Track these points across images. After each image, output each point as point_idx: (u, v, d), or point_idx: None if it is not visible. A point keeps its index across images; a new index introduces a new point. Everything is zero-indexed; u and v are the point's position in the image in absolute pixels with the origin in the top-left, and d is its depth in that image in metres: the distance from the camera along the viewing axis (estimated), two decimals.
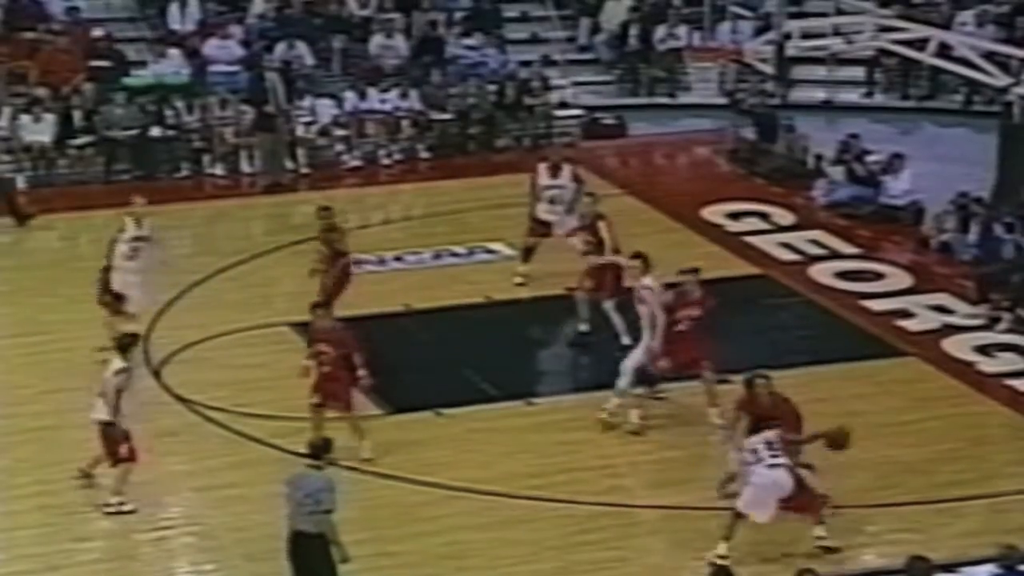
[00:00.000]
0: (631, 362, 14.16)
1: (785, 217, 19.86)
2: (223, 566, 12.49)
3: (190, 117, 21.51)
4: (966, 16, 23.66)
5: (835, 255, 18.68)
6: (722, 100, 23.54)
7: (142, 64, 22.41)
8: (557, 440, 14.25)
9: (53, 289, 17.19)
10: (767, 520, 12.20)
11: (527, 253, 17.28)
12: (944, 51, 20.21)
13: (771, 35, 21.24)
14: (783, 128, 22.01)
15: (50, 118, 20.94)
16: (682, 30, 24.25)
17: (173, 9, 23.06)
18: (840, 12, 22.67)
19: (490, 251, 18.50)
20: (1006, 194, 18.42)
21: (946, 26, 22.59)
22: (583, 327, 15.84)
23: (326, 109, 22.10)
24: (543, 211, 17.14)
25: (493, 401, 14.90)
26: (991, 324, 16.64)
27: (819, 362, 15.50)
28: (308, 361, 13.66)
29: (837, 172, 20.54)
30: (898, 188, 19.86)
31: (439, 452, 13.97)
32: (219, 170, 21.48)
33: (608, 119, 23.39)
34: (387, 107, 22.24)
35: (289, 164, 21.52)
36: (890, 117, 23.40)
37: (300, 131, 21.75)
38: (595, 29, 24.96)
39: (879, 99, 24.03)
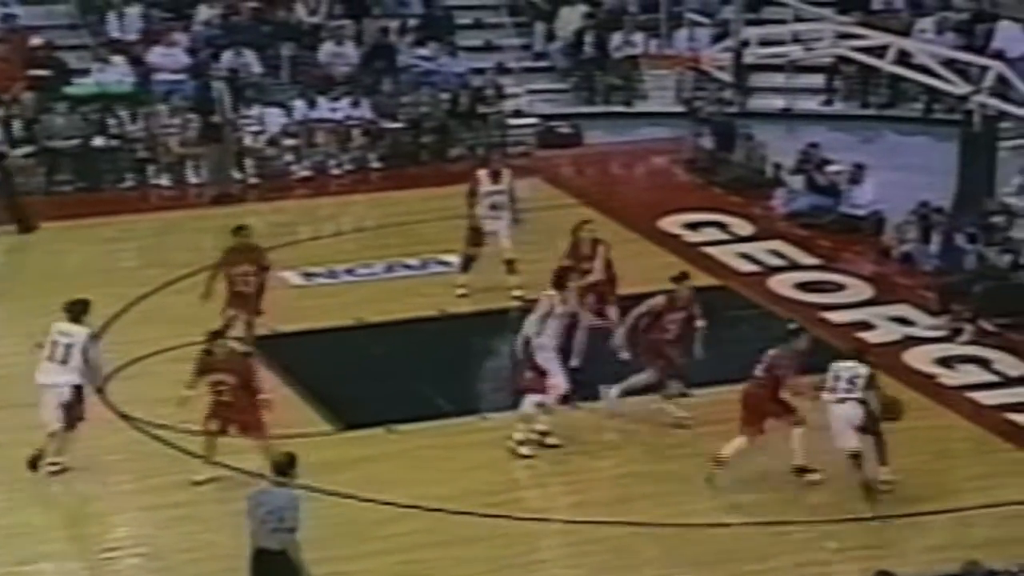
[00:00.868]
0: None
1: (744, 227, 19.97)
2: None
3: (134, 126, 21.41)
4: (926, 23, 23.90)
5: (795, 266, 18.79)
6: (679, 108, 23.64)
7: (84, 72, 22.30)
8: (514, 457, 14.24)
9: None
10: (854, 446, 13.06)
11: (467, 263, 17.29)
12: (904, 58, 20.38)
13: (729, 42, 21.36)
14: (741, 137, 22.13)
15: None
16: (638, 37, 24.36)
17: (112, 16, 22.96)
18: (799, 19, 22.80)
19: (444, 263, 18.50)
20: (967, 204, 18.59)
21: (905, 33, 22.79)
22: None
23: (275, 118, 22.06)
24: (484, 218, 17.15)
25: (447, 416, 14.89)
26: (953, 336, 16.78)
27: None
28: (189, 392, 13.59)
29: (797, 181, 20.68)
30: (861, 198, 20.01)
31: (392, 469, 13.95)
32: (165, 181, 21.41)
33: (564, 128, 23.45)
34: (337, 116, 22.22)
35: (237, 175, 21.46)
36: (850, 125, 23.59)
37: (248, 141, 21.70)
38: (550, 36, 25.03)
39: (839, 107, 24.21)
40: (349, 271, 18.38)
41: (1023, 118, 18.72)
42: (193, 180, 21.46)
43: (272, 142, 21.96)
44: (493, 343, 16.39)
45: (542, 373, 14.00)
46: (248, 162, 21.64)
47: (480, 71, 23.31)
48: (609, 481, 13.95)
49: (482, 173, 17.42)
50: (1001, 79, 18.72)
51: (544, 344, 13.99)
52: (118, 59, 22.25)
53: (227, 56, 22.65)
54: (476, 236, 17.20)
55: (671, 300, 14.55)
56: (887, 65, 20.33)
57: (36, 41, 22.31)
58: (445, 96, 22.79)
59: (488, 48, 24.58)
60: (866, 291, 18.00)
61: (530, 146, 23.11)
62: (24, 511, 13.16)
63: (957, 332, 16.78)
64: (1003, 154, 18.91)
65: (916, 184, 19.75)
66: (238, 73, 22.34)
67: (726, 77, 21.54)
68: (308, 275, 18.22)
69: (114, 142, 21.25)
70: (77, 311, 13.81)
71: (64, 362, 13.53)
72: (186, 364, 15.68)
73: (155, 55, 22.44)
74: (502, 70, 23.60)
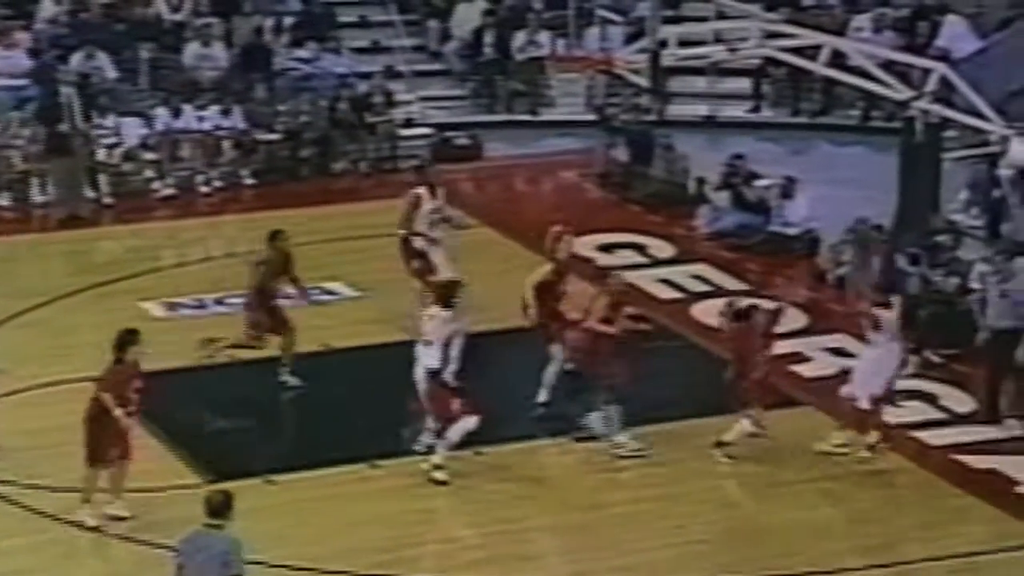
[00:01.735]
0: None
1: (664, 249, 20.16)
2: None
3: None
4: (862, 21, 24.30)
5: (721, 292, 18.98)
6: (590, 116, 23.84)
7: None
8: (407, 508, 14.28)
9: None
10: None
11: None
12: (838, 60, 20.70)
13: (644, 42, 21.54)
14: (660, 148, 22.35)
15: None
16: (544, 37, 24.53)
17: None
18: (721, 16, 23.06)
19: (328, 292, 18.49)
20: (910, 221, 18.89)
21: (840, 32, 23.15)
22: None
23: (133, 129, 21.96)
24: (424, 236, 17.17)
25: (332, 465, 14.88)
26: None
27: (704, 414, 15.72)
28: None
29: (722, 197, 20.92)
30: (792, 215, 20.29)
31: (269, 525, 13.88)
32: (5, 200, 21.20)
33: (461, 139, 23.55)
34: (205, 126, 22.16)
35: (89, 193, 21.31)
36: (779, 135, 23.92)
37: (102, 155, 21.56)
38: (445, 36, 25.14)
39: (767, 114, 24.54)
40: (219, 301, 18.30)
41: (970, 126, 19.07)
42: (38, 199, 21.28)
43: (130, 156, 21.85)
44: (386, 380, 16.39)
45: (454, 404, 14.17)
46: (102, 179, 21.50)
47: (366, 75, 23.34)
48: (513, 535, 14.00)
49: (423, 190, 17.43)
50: (945, 82, 19.07)
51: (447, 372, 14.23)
52: None
53: (77, 58, 22.51)
54: (414, 255, 17.19)
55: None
56: (820, 68, 20.62)
57: None
58: (327, 103, 22.81)
59: (375, 49, 24.64)
60: (799, 319, 18.22)
61: (423, 159, 23.16)
62: None
63: (902, 364, 17.02)
64: (948, 166, 19.24)
65: (852, 199, 20.04)
66: (89, 78, 22.19)
67: (642, 81, 21.71)
68: (172, 306, 18.13)
69: None
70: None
71: None
72: (30, 409, 15.58)
73: None
74: (391, 74, 23.66)
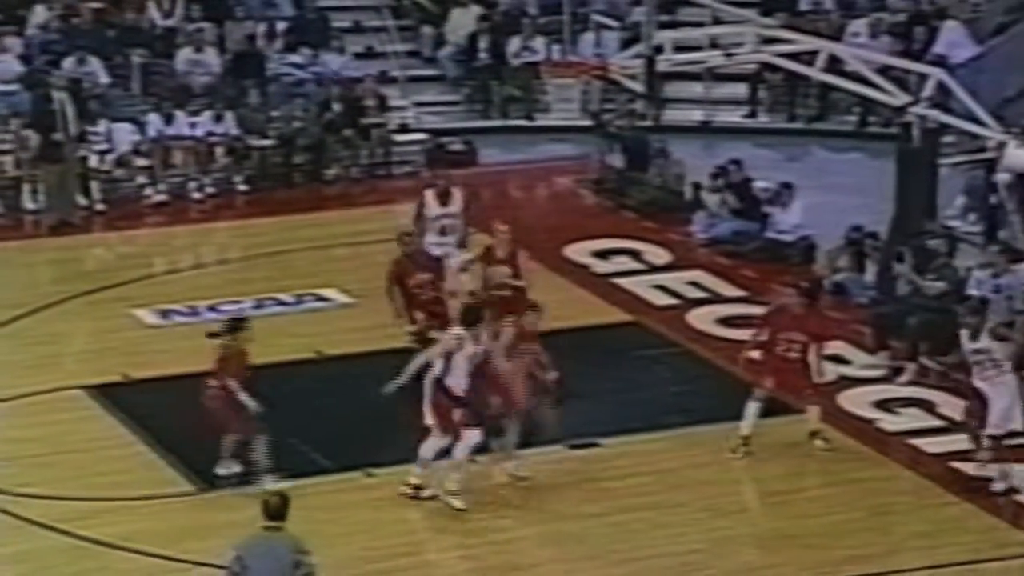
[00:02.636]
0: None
1: (659, 256, 20.15)
2: None
3: None
4: (859, 26, 24.30)
5: (716, 298, 18.99)
6: (585, 122, 23.83)
7: None
8: (402, 517, 14.25)
9: None
10: None
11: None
12: (835, 66, 20.69)
13: (640, 48, 21.53)
14: (655, 154, 22.34)
15: None
16: (539, 42, 24.53)
17: None
18: (718, 22, 23.10)
19: (322, 299, 18.47)
20: (906, 228, 18.88)
21: (836, 37, 23.15)
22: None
23: (125, 135, 21.94)
24: (432, 244, 17.06)
25: (326, 473, 14.85)
26: (892, 375, 17.02)
27: (698, 422, 15.71)
28: None
29: (717, 204, 20.90)
30: (787, 222, 20.28)
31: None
32: None
33: (455, 144, 23.54)
34: (198, 132, 22.14)
35: (81, 200, 21.28)
36: (775, 141, 23.90)
37: (94, 161, 21.53)
38: (439, 41, 25.13)
39: (763, 120, 24.54)
40: (212, 308, 18.28)
41: (966, 131, 19.07)
42: (29, 206, 21.25)
43: (122, 162, 21.82)
44: (378, 389, 16.36)
45: (456, 415, 14.11)
46: (94, 185, 21.47)
47: (360, 80, 23.34)
48: (506, 545, 13.98)
49: (429, 194, 17.37)
50: (942, 88, 19.07)
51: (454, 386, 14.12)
52: None
53: (68, 64, 22.49)
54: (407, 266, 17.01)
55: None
56: (816, 73, 20.61)
57: None
58: (318, 105, 22.77)
59: (370, 54, 24.63)
60: None
61: (418, 165, 23.16)
62: None
63: (897, 371, 17.02)
64: (944, 172, 19.23)
65: (848, 206, 20.05)
66: (81, 83, 22.16)
67: (637, 87, 21.71)
68: (165, 313, 18.11)
69: None
70: None
71: None
72: (18, 419, 15.56)
73: None
74: (385, 79, 23.64)
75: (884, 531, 14.21)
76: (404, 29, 25.24)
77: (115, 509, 14.11)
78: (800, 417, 15.82)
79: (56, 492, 14.27)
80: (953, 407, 16.10)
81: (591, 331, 17.75)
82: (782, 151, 23.53)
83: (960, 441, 15.41)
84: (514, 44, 24.56)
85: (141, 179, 21.85)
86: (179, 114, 22.16)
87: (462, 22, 25.01)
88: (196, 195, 21.99)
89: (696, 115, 24.44)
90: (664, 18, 23.57)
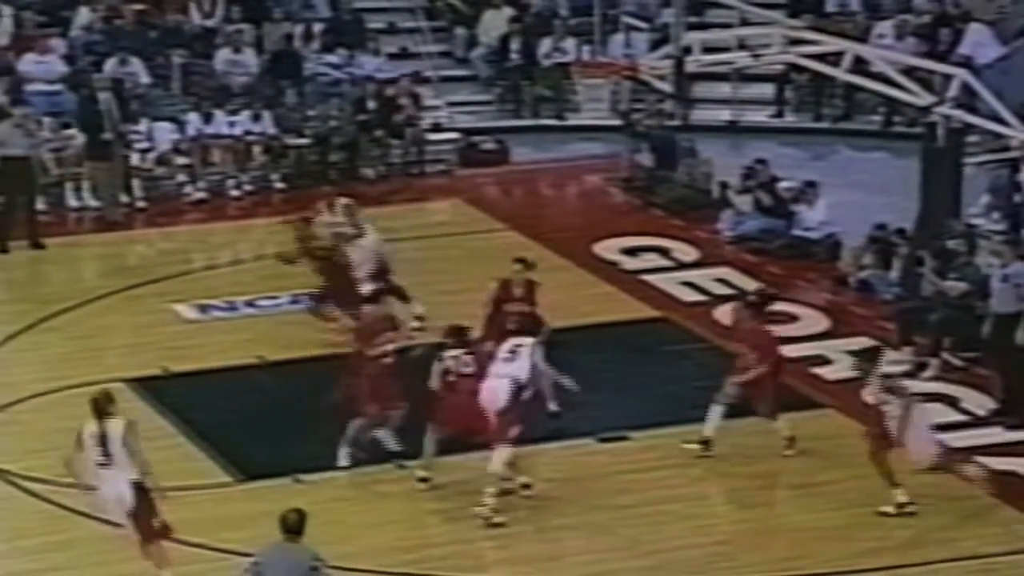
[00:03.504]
0: None
1: (687, 253, 20.14)
2: None
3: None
4: (884, 28, 24.23)
5: (743, 295, 18.95)
6: (615, 122, 23.82)
7: None
8: (433, 508, 14.29)
9: None
10: None
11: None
12: (861, 66, 20.66)
13: (669, 49, 21.54)
14: (683, 153, 22.33)
15: None
16: (570, 43, 24.54)
17: None
18: (745, 23, 23.05)
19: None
20: (930, 226, 18.85)
21: (862, 39, 23.10)
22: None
23: (165, 134, 22.02)
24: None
25: (360, 464, 14.90)
26: (916, 371, 16.98)
27: (727, 416, 15.69)
28: None
29: (744, 202, 20.89)
30: (812, 219, 20.26)
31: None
32: (41, 205, 21.26)
33: (488, 143, 23.57)
34: (236, 131, 22.22)
35: (124, 197, 21.38)
36: (802, 140, 23.86)
37: (135, 159, 21.63)
38: (472, 42, 25.16)
39: (789, 120, 24.49)
40: (250, 303, 18.36)
41: (991, 131, 19.01)
42: (73, 204, 21.35)
43: (162, 161, 21.90)
44: (411, 382, 16.42)
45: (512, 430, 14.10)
46: (135, 183, 21.57)
47: (394, 80, 23.38)
48: (535, 535, 14.01)
49: (322, 204, 17.49)
50: (967, 88, 19.02)
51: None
52: None
53: (110, 64, 22.58)
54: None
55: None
56: (842, 74, 20.59)
57: None
58: (354, 104, 22.82)
59: (404, 55, 24.66)
60: (821, 322, 18.20)
61: (450, 164, 23.20)
62: None
63: (921, 367, 16.98)
64: (969, 171, 19.19)
65: (873, 204, 20.02)
66: (123, 83, 22.27)
67: (666, 87, 21.72)
68: (203, 308, 18.19)
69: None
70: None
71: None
72: (62, 410, 15.64)
73: (27, 63, 22.32)
74: (419, 79, 23.68)
75: (907, 524, 14.19)
76: (437, 30, 25.26)
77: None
78: (822, 412, 15.84)
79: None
80: (977, 402, 16.09)
81: (620, 327, 17.77)
82: (808, 150, 23.50)
83: (983, 435, 15.41)
84: (545, 45, 24.57)
85: (181, 177, 21.94)
86: (218, 113, 22.24)
87: (494, 23, 25.03)
88: (234, 192, 22.07)
89: (724, 115, 24.41)
90: (693, 19, 23.54)
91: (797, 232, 20.24)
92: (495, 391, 14.01)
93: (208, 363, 16.42)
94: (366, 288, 16.38)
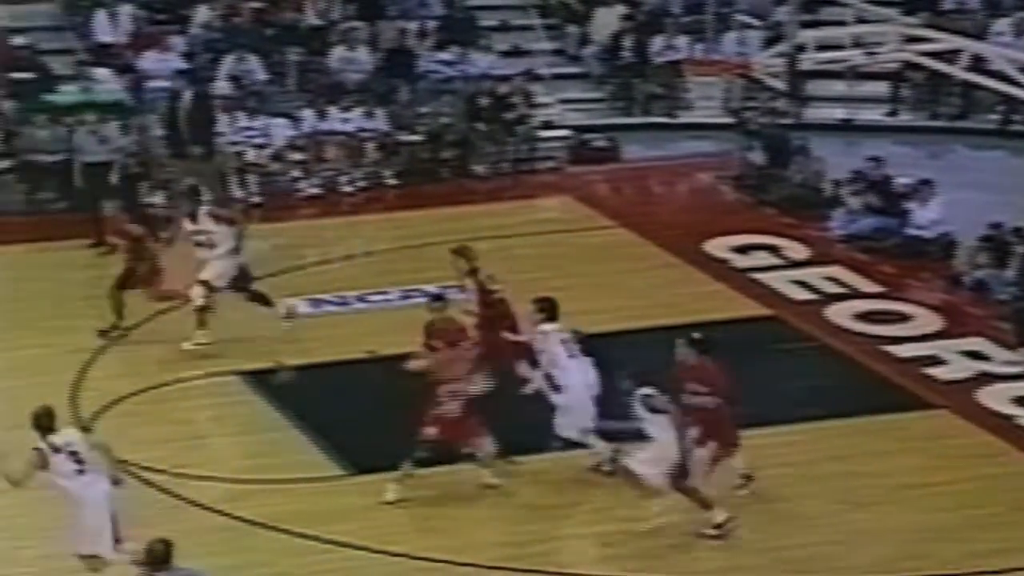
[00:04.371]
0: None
1: (798, 251, 19.97)
2: None
3: (125, 139, 21.49)
4: (1003, 25, 23.90)
5: (855, 294, 18.77)
6: (727, 119, 23.69)
7: (70, 79, 22.45)
8: (537, 503, 14.27)
9: None
10: None
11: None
12: (978, 64, 20.40)
13: (782, 46, 21.44)
14: (796, 151, 22.14)
15: None
16: (682, 41, 24.43)
17: (101, 17, 23.11)
18: (860, 21, 22.85)
19: (466, 289, 18.52)
20: None
21: (980, 36, 22.80)
22: None
23: (280, 130, 22.19)
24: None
25: (468, 459, 14.90)
26: None
27: (836, 415, 15.56)
28: None
29: (856, 201, 20.67)
30: (926, 218, 20.00)
31: (404, 518, 13.99)
32: (159, 199, 21.47)
33: (599, 141, 23.52)
34: (349, 128, 22.34)
35: (238, 192, 21.55)
36: (917, 139, 23.59)
37: (251, 155, 21.83)
38: (584, 40, 25.12)
39: (904, 118, 24.22)
40: (361, 298, 18.44)
41: None
42: None
43: (277, 157, 22.08)
44: (520, 377, 16.42)
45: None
46: (250, 179, 21.77)
47: (506, 78, 23.40)
48: (643, 534, 13.92)
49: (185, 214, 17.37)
50: None
51: None
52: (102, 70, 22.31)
53: (228, 62, 22.81)
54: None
55: None
56: (959, 72, 20.35)
57: (18, 42, 22.46)
58: (466, 101, 22.86)
59: (516, 53, 24.68)
60: (935, 322, 17.97)
61: (561, 161, 23.18)
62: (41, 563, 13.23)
63: None
64: None
65: (989, 203, 19.74)
66: (240, 80, 22.47)
67: (779, 85, 21.62)
68: (316, 302, 18.30)
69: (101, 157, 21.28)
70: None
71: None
72: (179, 402, 15.83)
73: (148, 60, 22.59)
74: (531, 77, 23.68)
75: (1013, 528, 13.92)
76: (550, 28, 25.27)
77: (266, 491, 14.30)
78: (935, 413, 15.64)
79: (211, 473, 14.49)
80: None
81: (729, 325, 17.63)
82: (923, 149, 23.22)
83: None
84: (657, 43, 24.48)
85: (295, 173, 22.11)
86: (332, 110, 22.39)
87: (606, 21, 24.98)
88: (347, 189, 22.19)
89: (837, 113, 24.18)
90: (807, 17, 23.39)
91: (910, 231, 19.98)
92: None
93: (319, 357, 16.50)
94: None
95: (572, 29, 25.26)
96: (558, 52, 25.08)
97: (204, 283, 16.73)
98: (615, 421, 14.06)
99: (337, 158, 22.25)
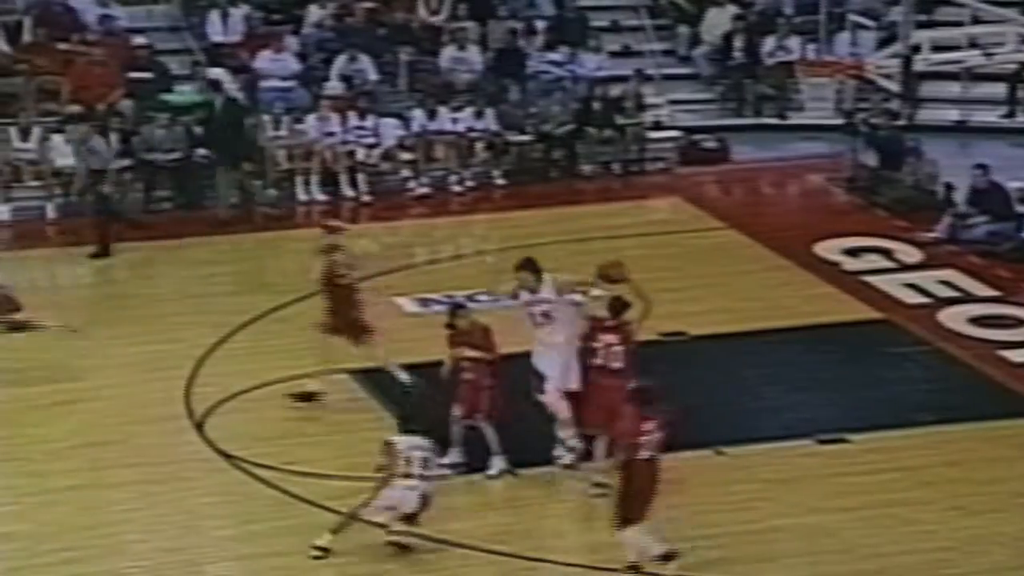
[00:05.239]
0: None
1: (911, 254, 19.74)
2: None
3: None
4: None
5: (969, 298, 18.52)
6: (839, 121, 23.46)
7: (186, 79, 22.70)
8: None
9: (86, 331, 17.37)
10: None
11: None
12: None
13: (897, 47, 21.15)
14: (909, 153, 21.89)
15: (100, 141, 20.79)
16: (794, 42, 24.23)
17: (214, 18, 23.33)
18: (977, 21, 22.51)
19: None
20: None
21: None
22: None
23: (391, 130, 22.28)
24: None
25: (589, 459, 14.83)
26: None
27: (950, 420, 15.35)
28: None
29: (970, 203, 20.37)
30: None
31: (512, 517, 13.97)
32: (272, 193, 21.63)
33: (709, 142, 23.39)
34: (459, 128, 22.38)
35: (349, 191, 21.67)
36: None
37: (361, 154, 21.94)
38: (695, 40, 25.00)
39: (1021, 120, 23.85)
40: (470, 298, 18.42)
41: None
42: (302, 197, 21.72)
43: (387, 156, 22.17)
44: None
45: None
46: (361, 177, 21.87)
47: (620, 78, 23.33)
48: (752, 535, 13.78)
49: None
50: None
51: None
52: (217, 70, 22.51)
53: (340, 61, 22.94)
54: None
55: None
56: None
57: (138, 41, 22.73)
58: (578, 106, 22.83)
59: (626, 53, 24.62)
60: None
61: (671, 162, 23.08)
62: (105, 560, 13.36)
63: None
64: None
65: None
66: (351, 80, 22.59)
67: (893, 86, 21.34)
68: (424, 302, 18.34)
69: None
70: None
71: None
72: (287, 400, 15.91)
73: (262, 61, 22.78)
74: (642, 77, 23.59)
75: None
76: (660, 28, 25.17)
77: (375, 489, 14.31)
78: None
79: (321, 471, 14.56)
80: None
81: (841, 327, 17.47)
82: None
83: None
84: (769, 43, 24.31)
85: (405, 172, 22.18)
86: (442, 110, 22.44)
87: (717, 21, 24.84)
88: (456, 188, 22.23)
89: (952, 114, 23.88)
90: (922, 18, 23.09)
91: None
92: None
93: (427, 356, 16.50)
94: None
95: (683, 29, 25.14)
96: (668, 52, 24.97)
97: None
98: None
99: (446, 158, 22.30)
